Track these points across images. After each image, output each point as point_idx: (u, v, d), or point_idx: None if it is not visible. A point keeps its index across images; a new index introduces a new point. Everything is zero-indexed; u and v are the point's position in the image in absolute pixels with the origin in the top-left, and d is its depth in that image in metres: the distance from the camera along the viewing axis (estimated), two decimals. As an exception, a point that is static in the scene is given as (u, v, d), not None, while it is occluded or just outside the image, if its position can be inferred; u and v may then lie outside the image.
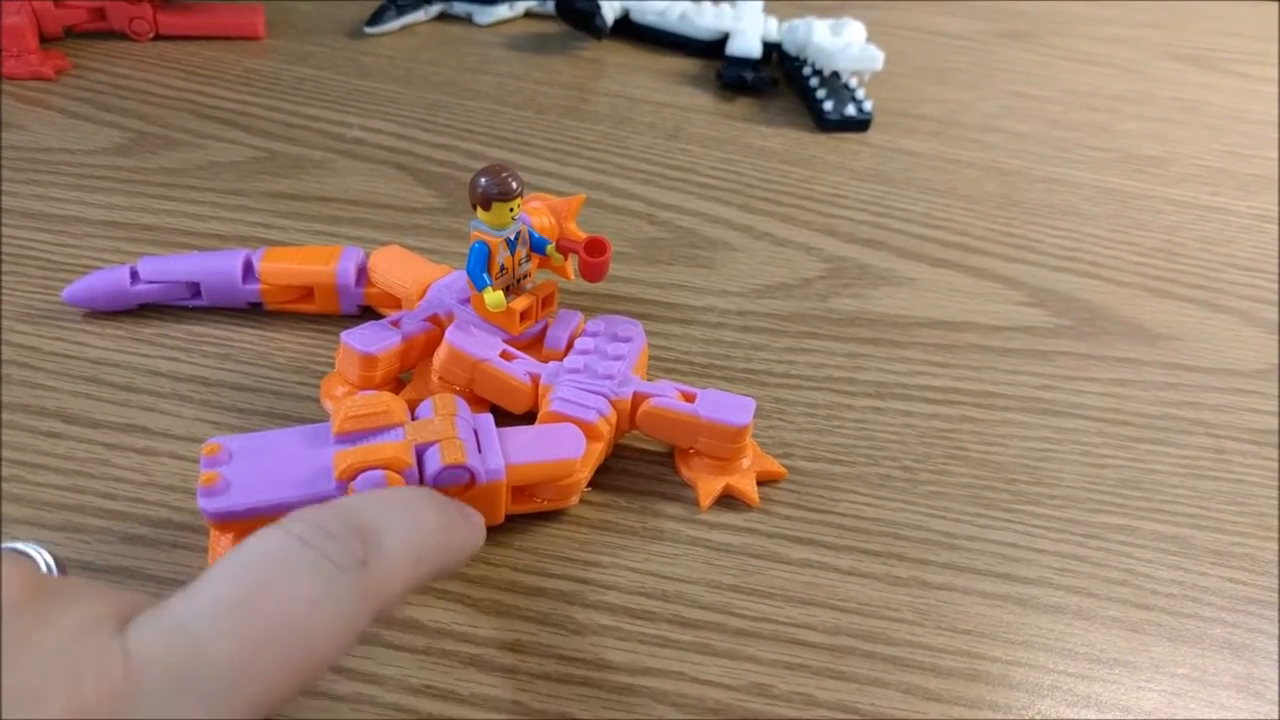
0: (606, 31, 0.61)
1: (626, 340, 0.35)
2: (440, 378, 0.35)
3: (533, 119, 0.55)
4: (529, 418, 0.34)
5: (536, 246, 0.36)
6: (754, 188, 0.51)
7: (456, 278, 0.37)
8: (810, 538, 0.33)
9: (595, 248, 0.36)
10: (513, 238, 0.34)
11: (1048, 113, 0.61)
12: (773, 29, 0.61)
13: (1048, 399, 0.40)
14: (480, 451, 0.30)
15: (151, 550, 0.31)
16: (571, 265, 0.38)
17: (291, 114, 0.53)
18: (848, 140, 0.56)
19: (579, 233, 0.39)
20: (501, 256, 0.34)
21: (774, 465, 0.35)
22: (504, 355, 0.34)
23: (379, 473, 0.29)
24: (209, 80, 0.55)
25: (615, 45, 0.63)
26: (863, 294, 0.45)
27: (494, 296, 0.33)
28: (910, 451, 0.37)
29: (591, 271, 0.36)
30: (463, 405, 0.32)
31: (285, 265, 0.39)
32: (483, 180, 0.33)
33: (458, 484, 0.30)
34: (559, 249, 0.36)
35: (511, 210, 0.33)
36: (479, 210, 0.33)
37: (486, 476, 0.30)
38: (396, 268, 0.38)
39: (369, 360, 0.34)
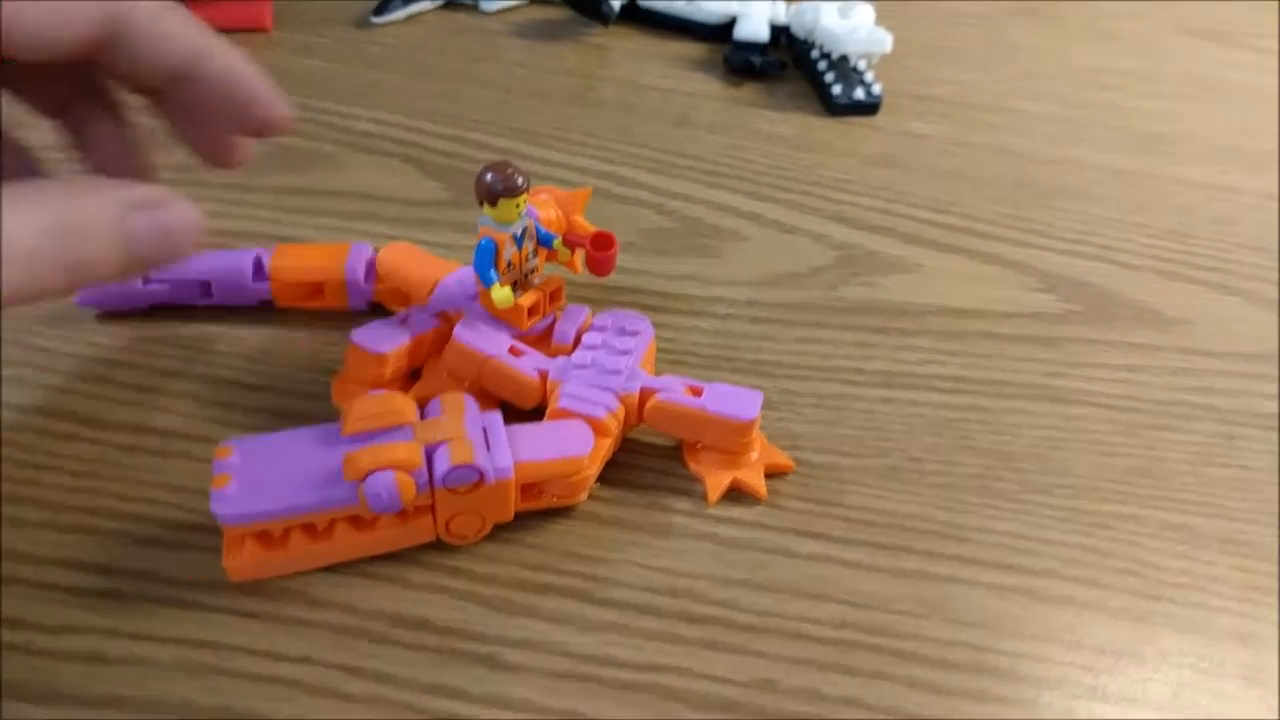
0: (613, 17, 0.61)
1: (634, 334, 0.35)
2: (449, 374, 0.35)
3: (540, 108, 0.55)
4: (538, 413, 0.34)
5: (543, 241, 0.36)
6: (762, 174, 0.51)
7: (465, 273, 0.37)
8: (818, 531, 0.34)
9: (602, 242, 0.36)
10: (519, 233, 0.34)
11: (1058, 91, 0.61)
12: (780, 12, 0.61)
13: (1057, 386, 0.40)
14: (489, 450, 0.31)
15: (165, 552, 0.31)
16: (579, 259, 0.38)
17: (300, 107, 0.52)
18: (856, 124, 0.56)
19: (586, 225, 0.39)
20: (508, 252, 0.34)
21: (782, 458, 0.35)
22: (512, 351, 0.35)
23: (389, 473, 0.29)
24: (217, 74, 0.55)
25: (622, 30, 0.63)
26: (871, 282, 0.45)
27: (501, 293, 0.34)
28: (918, 442, 0.37)
29: (598, 266, 0.36)
30: (471, 404, 0.32)
31: (295, 263, 0.39)
32: (488, 177, 0.33)
33: (467, 483, 0.30)
34: (566, 243, 0.36)
35: (517, 206, 0.33)
36: (485, 206, 0.33)
37: (495, 475, 0.30)
38: (405, 264, 0.39)
39: (379, 359, 0.35)
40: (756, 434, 0.34)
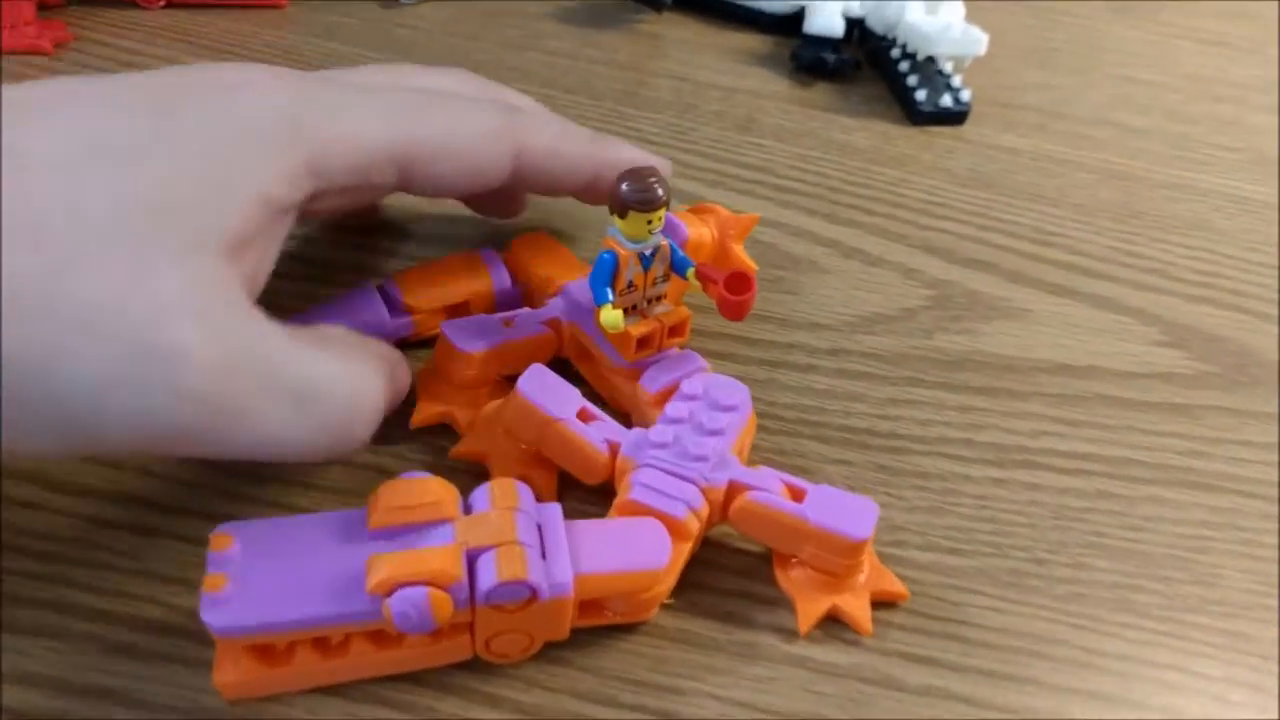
0: (668, 3, 0.55)
1: (729, 409, 0.29)
2: (506, 431, 0.29)
3: (586, 106, 0.48)
4: (603, 487, 0.29)
5: (677, 267, 0.30)
6: (839, 192, 0.45)
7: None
8: (930, 655, 0.28)
9: (738, 284, 0.29)
10: (648, 253, 0.29)
11: (1165, 102, 0.54)
12: (855, 4, 0.54)
13: (1198, 469, 0.34)
14: (544, 558, 0.25)
15: (138, 664, 0.25)
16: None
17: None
18: (941, 135, 0.50)
19: (743, 256, 0.35)
20: (630, 272, 0.29)
21: (895, 585, 0.28)
22: (582, 415, 0.29)
23: (421, 590, 0.23)
24: (224, 55, 0.48)
25: (677, 18, 0.57)
26: (973, 329, 0.38)
27: (610, 315, 0.28)
28: (1042, 538, 0.31)
29: (731, 310, 0.30)
30: (525, 495, 0.26)
31: (433, 289, 0.34)
32: (625, 186, 0.28)
33: (517, 600, 0.24)
34: (699, 276, 0.30)
35: (649, 223, 0.28)
36: (616, 217, 0.28)
37: (551, 592, 0.24)
38: (534, 259, 0.35)
39: (465, 359, 0.31)
40: (868, 550, 0.28)
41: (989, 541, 0.31)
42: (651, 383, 0.31)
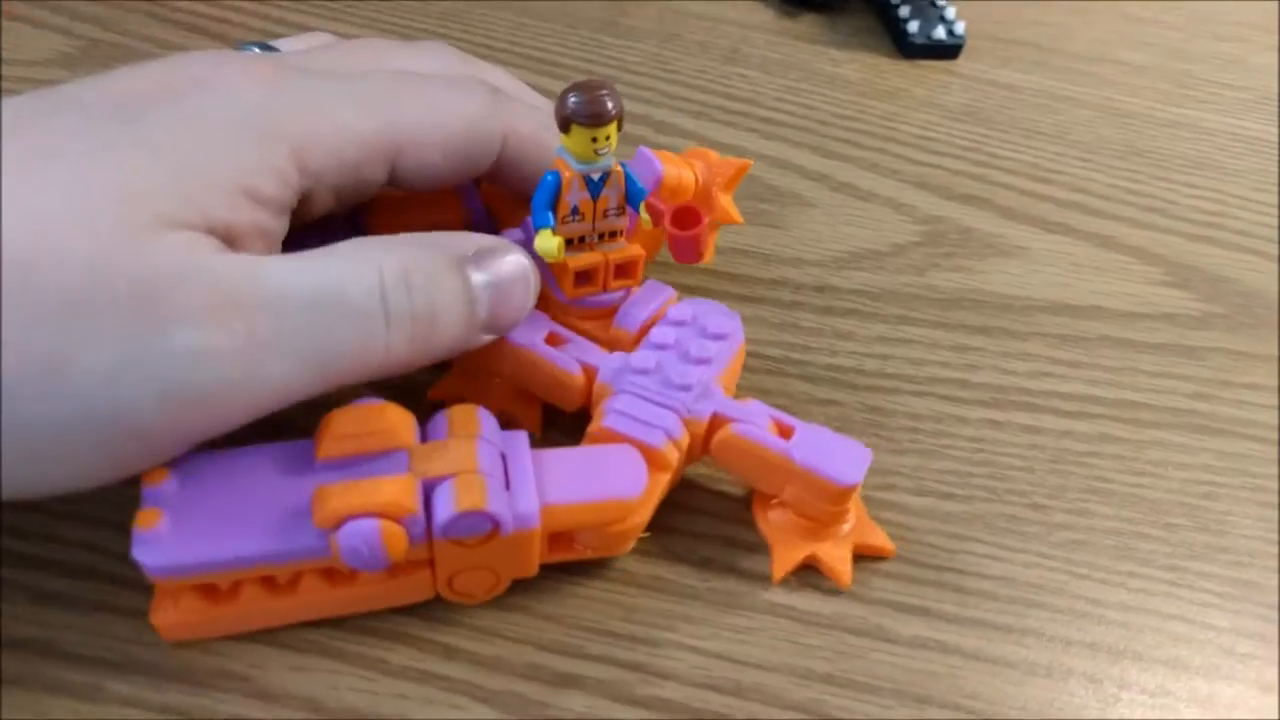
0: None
1: (719, 338, 0.27)
2: (480, 364, 0.27)
3: (564, 34, 0.46)
4: (582, 415, 0.27)
5: (631, 198, 0.27)
6: (828, 125, 0.43)
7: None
8: (923, 605, 0.26)
9: (684, 218, 0.27)
10: (597, 177, 0.26)
11: (1166, 40, 0.52)
12: (846, -69, 0.52)
13: (1204, 412, 0.32)
14: (508, 488, 0.23)
15: (67, 613, 0.23)
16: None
17: (278, 22, 0.44)
18: (934, 69, 0.48)
19: (729, 208, 0.31)
20: (575, 196, 0.26)
21: (882, 540, 0.27)
22: (551, 339, 0.27)
23: (372, 522, 0.21)
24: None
25: (659, -55, 0.54)
26: (966, 266, 0.36)
27: (544, 240, 0.25)
28: (1041, 483, 0.29)
29: (680, 249, 0.27)
30: (488, 421, 0.24)
31: (405, 219, 0.30)
32: (571, 97, 0.24)
33: (478, 533, 0.22)
34: (648, 208, 0.27)
35: (595, 141, 0.25)
36: (562, 134, 0.25)
37: (514, 524, 0.22)
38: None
39: None
40: (855, 501, 0.26)
41: (985, 486, 0.29)
42: (628, 319, 0.28)
